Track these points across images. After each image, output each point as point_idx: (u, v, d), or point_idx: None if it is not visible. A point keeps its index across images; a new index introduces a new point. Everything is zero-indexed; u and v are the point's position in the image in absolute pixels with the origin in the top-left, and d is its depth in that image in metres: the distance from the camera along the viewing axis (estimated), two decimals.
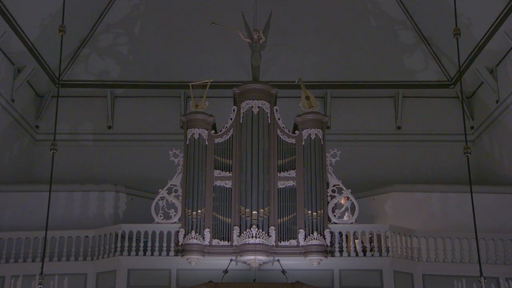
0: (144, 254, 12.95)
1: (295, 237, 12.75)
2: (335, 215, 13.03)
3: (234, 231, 12.70)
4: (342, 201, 13.26)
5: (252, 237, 12.44)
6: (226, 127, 13.56)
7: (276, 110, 13.64)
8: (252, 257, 12.41)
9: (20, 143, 17.01)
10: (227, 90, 15.49)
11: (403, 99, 18.02)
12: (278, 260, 12.52)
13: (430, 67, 17.75)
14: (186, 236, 12.68)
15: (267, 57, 15.47)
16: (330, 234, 12.78)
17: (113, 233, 13.21)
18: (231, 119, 13.62)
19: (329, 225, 12.88)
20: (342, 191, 13.21)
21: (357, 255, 12.98)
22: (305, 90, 13.85)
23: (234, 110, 13.70)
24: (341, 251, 12.82)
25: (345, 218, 13.17)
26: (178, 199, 13.13)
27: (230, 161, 13.30)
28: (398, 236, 13.14)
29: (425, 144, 17.84)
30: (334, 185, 13.22)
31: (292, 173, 13.22)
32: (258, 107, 13.50)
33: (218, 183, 13.15)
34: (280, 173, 13.23)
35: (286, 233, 12.79)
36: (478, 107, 17.49)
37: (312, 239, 12.58)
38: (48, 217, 9.96)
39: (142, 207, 14.65)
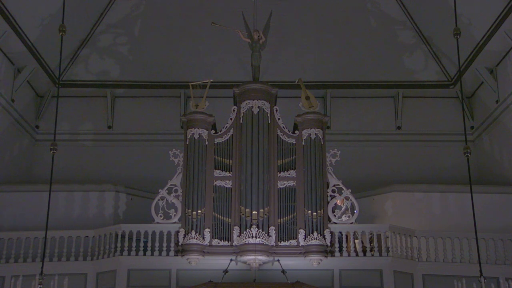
0: (144, 254, 12.95)
1: (295, 237, 12.75)
2: (335, 215, 13.03)
3: (234, 231, 12.70)
4: (338, 202, 13.27)
5: (252, 237, 12.44)
6: (226, 127, 13.56)
7: (276, 110, 13.64)
8: (252, 257, 12.40)
9: (20, 143, 17.01)
10: (227, 90, 15.49)
11: (403, 99, 18.02)
12: (278, 260, 12.52)
13: (430, 67, 17.76)
14: (186, 236, 12.68)
15: (267, 57, 15.47)
16: (330, 234, 12.78)
17: (113, 233, 13.21)
18: (231, 119, 13.61)
19: (329, 225, 12.88)
20: (342, 191, 13.21)
21: (357, 255, 12.97)
22: (305, 90, 13.85)
23: (234, 110, 13.69)
24: (341, 251, 12.82)
25: (343, 218, 13.16)
26: (178, 199, 13.13)
27: (230, 161, 13.30)
28: (398, 236, 13.14)
29: (425, 144, 17.85)
30: (334, 185, 13.22)
31: (292, 173, 13.22)
32: (258, 107, 13.50)
33: (218, 183, 13.15)
34: (280, 173, 13.23)
35: (286, 233, 12.79)
36: (478, 107, 17.50)
37: (312, 239, 12.58)
38: (48, 217, 9.97)
39: (142, 207, 14.65)
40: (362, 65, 17.83)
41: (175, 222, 13.01)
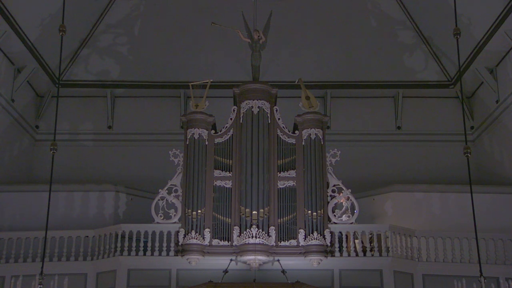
0: (144, 254, 12.95)
1: (295, 237, 12.75)
2: (335, 215, 13.04)
3: (234, 231, 12.70)
4: (341, 200, 13.26)
5: (252, 237, 12.44)
6: (226, 127, 13.56)
7: (276, 110, 13.64)
8: (252, 257, 12.40)
9: (20, 143, 17.01)
10: (227, 90, 15.48)
11: (403, 99, 18.01)
12: (278, 260, 12.52)
13: (430, 67, 17.75)
14: (186, 236, 12.68)
15: (267, 57, 15.47)
16: (330, 234, 12.78)
17: (113, 233, 13.21)
18: (231, 119, 13.62)
19: (329, 225, 12.88)
20: (342, 191, 13.22)
21: (357, 255, 12.98)
22: (305, 90, 13.85)
23: (234, 110, 13.70)
24: (341, 251, 12.81)
25: (344, 218, 13.16)
26: (178, 199, 13.13)
27: (230, 161, 13.30)
28: (398, 236, 13.14)
29: (425, 144, 17.84)
30: (334, 185, 13.23)
31: (292, 173, 13.22)
32: (258, 107, 13.50)
33: (218, 183, 13.15)
34: (280, 173, 13.23)
35: (286, 233, 12.79)
36: (478, 107, 17.49)
37: (312, 239, 12.58)
38: (48, 217, 9.96)
39: (142, 207, 14.65)
40: (362, 65, 17.83)
41: (175, 222, 13.01)
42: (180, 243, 12.69)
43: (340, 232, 12.97)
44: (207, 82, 13.87)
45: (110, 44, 17.63)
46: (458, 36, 9.92)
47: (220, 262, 12.47)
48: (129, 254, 12.93)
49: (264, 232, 12.54)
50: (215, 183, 13.14)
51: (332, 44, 17.70)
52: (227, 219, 12.86)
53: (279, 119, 13.58)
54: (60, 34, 10.03)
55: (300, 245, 12.65)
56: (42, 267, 9.72)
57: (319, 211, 12.79)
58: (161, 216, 13.09)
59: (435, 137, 17.84)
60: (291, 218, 12.89)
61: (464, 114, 11.31)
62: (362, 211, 13.73)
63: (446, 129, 17.75)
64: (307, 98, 13.76)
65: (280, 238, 12.74)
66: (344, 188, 13.22)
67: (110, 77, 17.88)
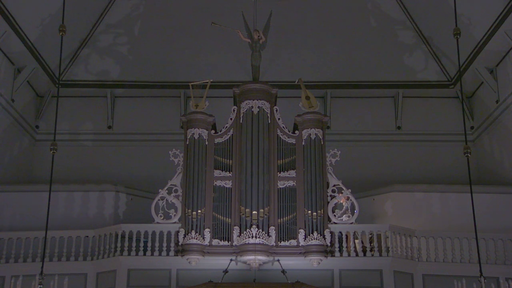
0: (144, 254, 12.95)
1: (295, 237, 12.75)
2: (335, 215, 13.04)
3: (234, 231, 12.70)
4: (342, 200, 13.26)
5: (252, 237, 12.44)
6: (226, 127, 13.56)
7: (276, 110, 13.64)
8: (252, 257, 12.40)
9: (20, 143, 17.02)
10: (227, 90, 15.49)
11: (403, 99, 18.02)
12: (278, 260, 12.52)
13: (430, 67, 17.76)
14: (186, 236, 12.68)
15: (267, 57, 15.47)
16: (330, 234, 12.78)
17: (113, 233, 13.21)
18: (231, 119, 13.62)
19: (329, 225, 12.88)
20: (342, 191, 13.22)
21: (357, 255, 12.98)
22: (305, 90, 13.85)
23: (234, 110, 13.70)
24: (341, 251, 12.81)
25: (344, 218, 13.17)
26: (178, 199, 13.13)
27: (230, 161, 13.30)
28: (398, 236, 13.14)
29: (425, 144, 17.85)
30: (334, 185, 13.23)
31: (292, 173, 13.22)
32: (258, 107, 13.50)
33: (218, 183, 13.15)
34: (280, 173, 13.23)
35: (286, 233, 12.79)
36: (478, 107, 17.50)
37: (312, 239, 12.58)
38: (48, 217, 9.97)
39: (142, 207, 14.65)
40: (362, 65, 17.83)
41: (175, 222, 13.01)
42: (180, 243, 12.69)
43: (340, 232, 12.98)
44: (207, 82, 13.87)
45: (110, 44, 17.63)
46: (458, 36, 9.93)
47: (220, 262, 12.47)
48: (129, 254, 12.93)
49: (264, 232, 12.54)
50: (215, 183, 13.15)
51: (332, 44, 17.71)
52: (227, 219, 12.86)
53: (279, 119, 13.58)
54: (60, 34, 10.03)
55: (300, 245, 12.65)
56: (42, 267, 9.72)
57: (319, 211, 12.79)
58: (161, 216, 13.09)
59: (435, 137, 17.85)
60: (291, 218, 12.89)
61: (464, 114, 11.33)
62: (362, 211, 13.73)
63: (446, 129, 17.76)
64: (307, 98, 13.76)
65: (280, 238, 12.74)
66: (344, 188, 13.22)
67: (110, 77, 17.88)
